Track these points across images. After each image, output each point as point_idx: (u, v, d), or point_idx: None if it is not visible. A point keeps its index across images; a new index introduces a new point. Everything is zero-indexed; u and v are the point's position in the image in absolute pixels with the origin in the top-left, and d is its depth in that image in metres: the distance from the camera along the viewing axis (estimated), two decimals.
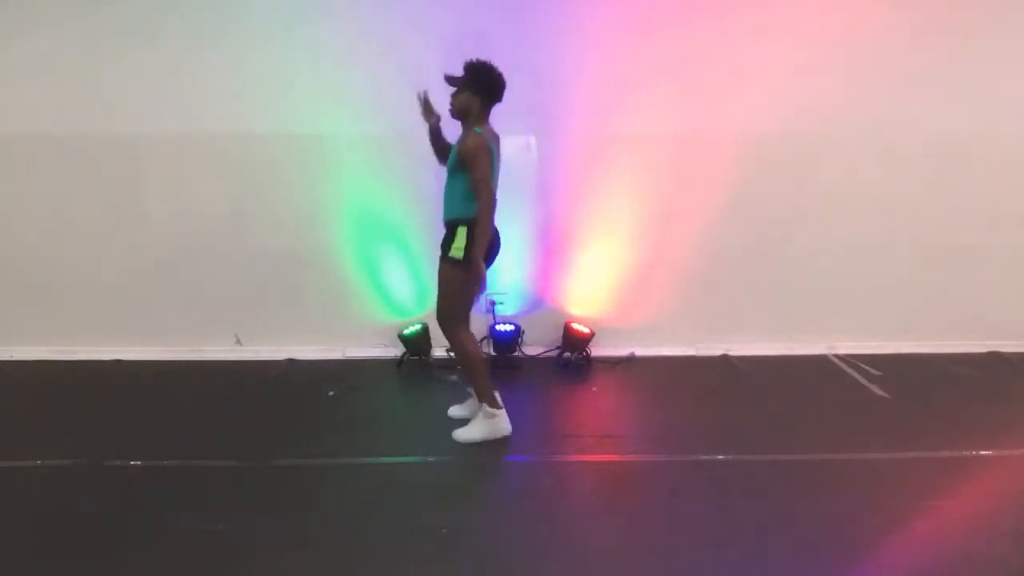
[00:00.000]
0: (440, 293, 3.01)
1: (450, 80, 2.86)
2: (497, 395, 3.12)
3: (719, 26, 3.64)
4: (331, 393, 3.63)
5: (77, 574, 2.33)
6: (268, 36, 3.60)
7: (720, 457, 3.03)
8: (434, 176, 3.10)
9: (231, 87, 3.67)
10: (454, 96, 2.88)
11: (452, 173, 2.90)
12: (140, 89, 3.66)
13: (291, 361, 4.05)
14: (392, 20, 3.58)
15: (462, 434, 3.13)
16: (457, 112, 2.90)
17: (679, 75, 3.71)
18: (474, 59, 2.86)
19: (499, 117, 2.95)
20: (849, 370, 3.97)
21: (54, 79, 3.65)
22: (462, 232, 2.87)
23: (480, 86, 2.85)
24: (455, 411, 3.34)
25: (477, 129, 2.84)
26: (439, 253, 2.98)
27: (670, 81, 3.71)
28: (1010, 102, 3.84)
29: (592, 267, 4.03)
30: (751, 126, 3.80)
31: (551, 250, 4.00)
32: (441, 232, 2.99)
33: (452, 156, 2.89)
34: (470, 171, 2.80)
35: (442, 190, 2.95)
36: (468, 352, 3.04)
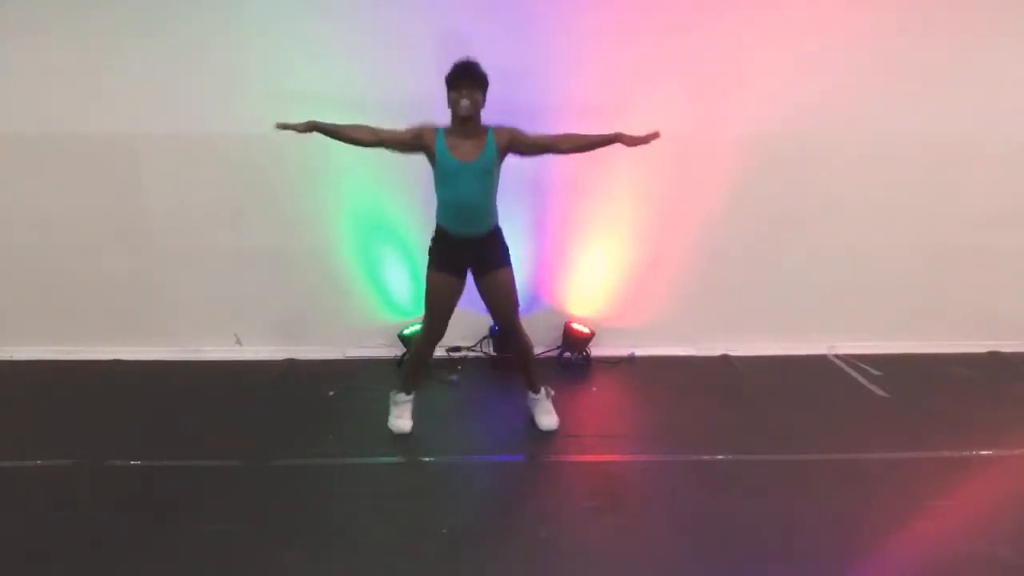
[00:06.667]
0: (511, 301, 3.08)
1: (477, 80, 2.80)
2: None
3: (720, 26, 3.64)
4: (331, 393, 3.63)
5: (77, 574, 2.34)
6: (268, 35, 3.59)
7: (720, 457, 3.03)
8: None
9: (231, 87, 3.66)
10: (472, 95, 2.78)
11: (486, 175, 2.89)
12: (140, 89, 3.66)
13: (291, 361, 4.05)
14: (393, 19, 3.57)
15: (549, 422, 3.25)
16: (475, 111, 2.82)
17: (679, 75, 3.71)
18: (466, 58, 2.83)
19: (500, 118, 2.94)
20: (849, 370, 3.97)
21: (54, 79, 3.64)
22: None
23: (486, 83, 2.86)
24: (401, 424, 3.23)
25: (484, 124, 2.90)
26: (489, 267, 3.00)
27: (670, 81, 3.71)
28: (1010, 102, 3.83)
29: (592, 267, 4.03)
30: (751, 126, 3.80)
31: (551, 250, 4.00)
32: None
33: (488, 159, 2.85)
34: (527, 138, 2.92)
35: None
36: (531, 344, 3.22)
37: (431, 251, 3.05)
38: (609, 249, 4.01)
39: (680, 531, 2.54)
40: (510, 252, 3.07)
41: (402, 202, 3.84)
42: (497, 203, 3.01)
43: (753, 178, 3.87)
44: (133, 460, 2.98)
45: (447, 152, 2.85)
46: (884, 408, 3.54)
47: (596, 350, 4.08)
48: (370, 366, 4.00)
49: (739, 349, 4.19)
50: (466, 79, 2.78)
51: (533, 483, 2.90)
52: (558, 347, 4.09)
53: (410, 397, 3.25)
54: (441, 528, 2.52)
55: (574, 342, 4.00)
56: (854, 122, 3.82)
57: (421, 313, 3.99)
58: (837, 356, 4.15)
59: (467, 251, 2.98)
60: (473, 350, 4.09)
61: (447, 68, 2.83)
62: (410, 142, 2.90)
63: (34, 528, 2.56)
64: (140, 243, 3.93)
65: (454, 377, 3.82)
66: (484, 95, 2.85)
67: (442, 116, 2.92)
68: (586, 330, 3.99)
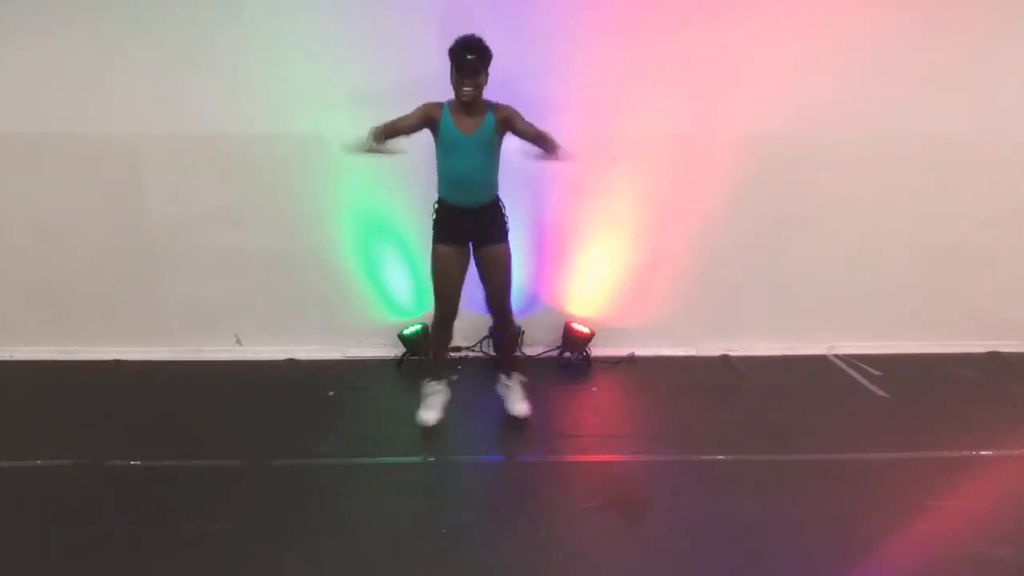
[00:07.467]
0: (505, 278, 3.10)
1: (481, 63, 2.81)
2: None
3: (720, 27, 3.63)
4: (331, 393, 3.63)
5: (77, 574, 2.34)
6: (268, 35, 3.59)
7: (720, 457, 3.03)
8: (433, 174, 3.08)
9: (231, 87, 3.66)
10: (478, 77, 2.81)
11: (486, 148, 2.92)
12: (140, 88, 3.65)
13: (291, 361, 4.05)
14: (393, 19, 3.57)
15: (521, 408, 3.28)
16: (478, 94, 2.86)
17: (680, 76, 3.70)
18: (469, 36, 2.83)
19: None
20: (849, 370, 3.97)
21: (54, 79, 3.64)
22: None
23: (489, 61, 2.87)
24: (426, 415, 3.22)
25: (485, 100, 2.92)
26: (487, 240, 3.03)
27: (671, 81, 3.71)
28: (1010, 102, 3.83)
29: (592, 267, 4.03)
30: (751, 126, 3.79)
31: (551, 250, 4.00)
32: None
33: (486, 133, 2.88)
34: (522, 124, 2.89)
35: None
36: (516, 329, 3.27)
37: (434, 225, 3.09)
38: (609, 249, 4.00)
39: (680, 531, 2.54)
40: (508, 230, 3.11)
41: (402, 202, 3.84)
42: (499, 177, 3.06)
43: (753, 178, 3.87)
44: (133, 460, 2.97)
45: (451, 125, 2.90)
46: (884, 408, 3.54)
47: (596, 350, 4.08)
48: (370, 366, 4.00)
49: (739, 349, 4.19)
50: (469, 65, 2.79)
51: (533, 483, 2.90)
52: (558, 347, 4.08)
53: (441, 386, 3.30)
54: (441, 528, 2.52)
55: (574, 342, 4.00)
56: (854, 122, 3.82)
57: (421, 313, 4.06)
58: (837, 356, 4.15)
59: (467, 221, 3.02)
60: (473, 350, 4.09)
61: (447, 66, 2.85)
62: (421, 123, 2.93)
63: (34, 528, 2.56)
64: (140, 243, 3.93)
65: (454, 377, 3.81)
66: (487, 73, 2.88)
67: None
68: (586, 330, 3.99)
